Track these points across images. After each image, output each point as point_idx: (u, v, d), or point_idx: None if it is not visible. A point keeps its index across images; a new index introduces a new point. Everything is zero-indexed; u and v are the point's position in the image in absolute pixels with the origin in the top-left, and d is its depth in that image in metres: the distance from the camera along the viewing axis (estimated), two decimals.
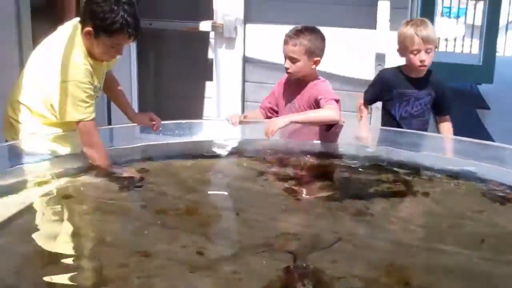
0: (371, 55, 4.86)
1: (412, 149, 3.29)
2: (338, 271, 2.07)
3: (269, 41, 5.35)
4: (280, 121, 3.20)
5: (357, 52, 5.16)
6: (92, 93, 2.90)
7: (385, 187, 2.93)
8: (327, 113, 3.27)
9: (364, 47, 5.05)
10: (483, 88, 9.43)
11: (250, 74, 5.43)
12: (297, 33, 3.36)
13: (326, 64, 5.30)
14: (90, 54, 2.91)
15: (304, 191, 2.87)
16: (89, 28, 2.82)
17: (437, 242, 2.44)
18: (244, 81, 5.46)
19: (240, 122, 3.43)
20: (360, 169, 3.22)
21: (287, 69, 3.39)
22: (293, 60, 3.35)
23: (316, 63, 3.41)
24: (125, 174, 2.91)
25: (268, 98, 3.66)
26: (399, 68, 3.68)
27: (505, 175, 3.00)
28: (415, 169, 3.13)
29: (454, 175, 3.06)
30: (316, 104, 3.34)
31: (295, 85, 3.50)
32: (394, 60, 4.04)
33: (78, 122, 2.87)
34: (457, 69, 8.97)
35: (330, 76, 5.39)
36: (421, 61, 3.48)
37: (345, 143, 3.42)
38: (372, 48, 4.83)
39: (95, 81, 2.94)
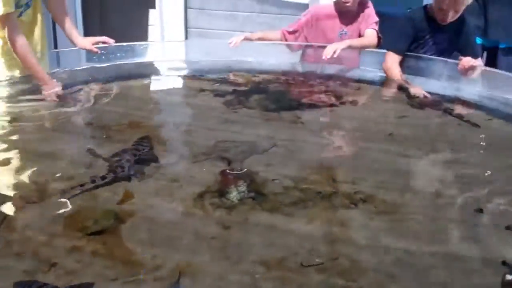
0: None
1: (343, 63, 3.32)
2: (272, 173, 2.08)
3: None
4: (340, 45, 3.20)
5: None
6: None
7: (317, 98, 2.95)
8: (374, 37, 3.35)
9: None
10: None
11: (192, 1, 5.29)
12: None
13: None
14: None
15: (243, 104, 2.85)
16: None
17: (362, 142, 2.50)
18: (186, 7, 5.32)
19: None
20: (293, 82, 3.23)
21: None
22: None
23: None
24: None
25: (292, 24, 3.59)
26: None
27: (424, 83, 3.07)
28: (345, 80, 3.17)
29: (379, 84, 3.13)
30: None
31: (343, 15, 3.42)
32: None
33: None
34: None
35: (270, 1, 5.35)
36: None
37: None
38: None
39: None
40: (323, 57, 3.15)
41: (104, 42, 3.16)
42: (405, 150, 2.36)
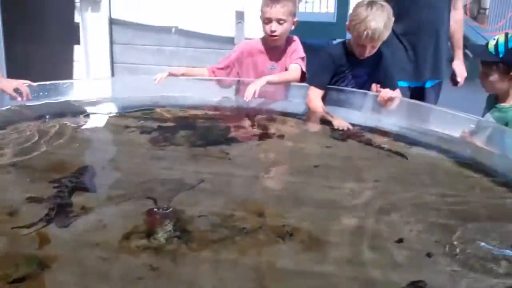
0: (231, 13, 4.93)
1: (269, 97, 3.39)
2: (198, 210, 2.08)
3: (135, 2, 5.25)
4: (257, 84, 3.23)
5: (218, 10, 5.17)
6: None
7: (243, 132, 3.00)
8: (297, 72, 3.41)
9: (224, 6, 5.09)
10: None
11: (118, 36, 5.27)
12: None
13: (189, 23, 5.28)
14: None
15: (169, 140, 2.85)
16: None
17: (288, 175, 2.58)
18: (111, 43, 5.30)
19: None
20: (219, 117, 3.26)
21: (273, 32, 3.34)
22: (281, 22, 3.32)
23: (295, 23, 3.43)
24: None
25: (222, 61, 3.61)
26: None
27: (346, 115, 3.18)
28: (272, 114, 3.24)
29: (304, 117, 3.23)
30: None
31: (271, 50, 3.47)
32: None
33: None
34: (315, 27, 9.20)
35: (196, 35, 5.41)
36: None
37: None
38: (232, 6, 4.89)
39: None
40: (245, 99, 3.22)
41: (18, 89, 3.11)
42: (330, 182, 2.43)
